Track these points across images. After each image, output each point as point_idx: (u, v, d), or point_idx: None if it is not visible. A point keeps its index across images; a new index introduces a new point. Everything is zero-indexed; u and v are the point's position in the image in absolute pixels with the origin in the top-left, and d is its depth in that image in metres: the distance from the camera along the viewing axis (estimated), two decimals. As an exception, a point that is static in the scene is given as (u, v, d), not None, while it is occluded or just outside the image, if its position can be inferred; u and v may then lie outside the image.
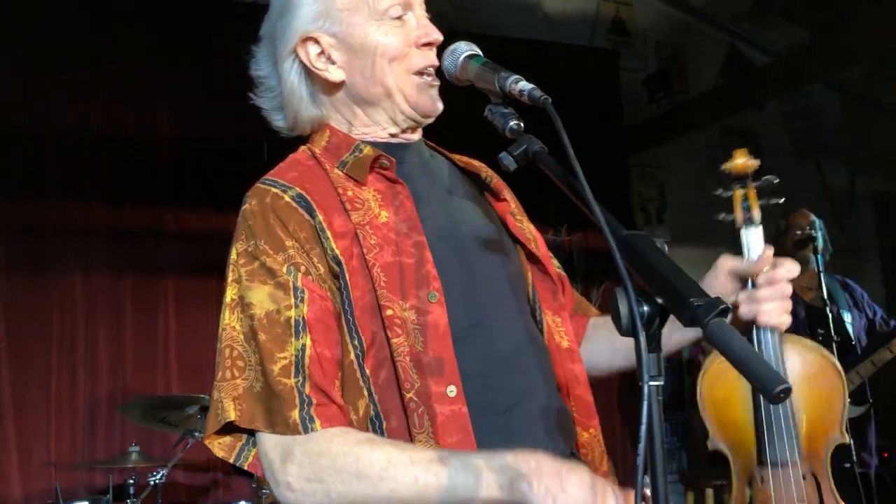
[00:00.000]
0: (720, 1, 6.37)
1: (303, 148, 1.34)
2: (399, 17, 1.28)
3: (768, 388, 0.75)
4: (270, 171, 1.28)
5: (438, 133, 1.43)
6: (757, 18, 6.34)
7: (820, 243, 3.70)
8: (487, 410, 1.16)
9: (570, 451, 1.26)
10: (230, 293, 1.18)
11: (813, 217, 3.91)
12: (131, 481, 3.44)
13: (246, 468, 1.16)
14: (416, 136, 1.37)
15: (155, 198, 4.59)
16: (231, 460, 1.15)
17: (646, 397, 0.85)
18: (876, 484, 3.85)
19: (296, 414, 1.09)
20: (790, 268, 1.23)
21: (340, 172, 1.25)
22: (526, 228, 1.40)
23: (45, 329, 4.22)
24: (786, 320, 1.22)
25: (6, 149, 4.25)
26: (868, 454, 3.84)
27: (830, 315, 3.43)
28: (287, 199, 1.20)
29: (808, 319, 3.83)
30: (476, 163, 1.45)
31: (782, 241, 4.00)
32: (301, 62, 1.29)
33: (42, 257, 4.29)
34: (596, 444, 1.31)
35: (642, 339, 0.86)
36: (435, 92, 1.31)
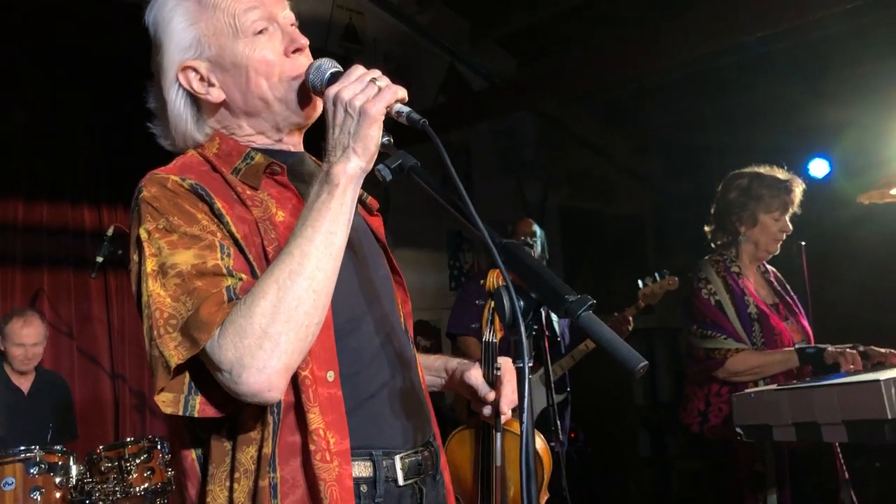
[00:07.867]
0: (442, 22, 6.85)
1: (192, 152, 1.36)
2: (263, 31, 1.33)
3: (630, 367, 0.99)
4: (161, 167, 1.29)
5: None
6: (474, 43, 6.93)
7: (538, 250, 4.21)
8: (357, 396, 1.29)
9: (427, 439, 1.42)
10: (150, 265, 1.17)
11: (535, 227, 4.41)
12: None
13: (197, 416, 1.15)
14: (299, 145, 1.45)
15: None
16: (180, 413, 1.14)
17: (527, 375, 1.05)
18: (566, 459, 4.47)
19: (223, 291, 1.15)
20: (513, 399, 1.54)
21: (235, 178, 1.30)
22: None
23: None
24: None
25: None
26: (565, 435, 4.43)
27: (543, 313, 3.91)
28: (186, 186, 1.23)
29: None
30: None
31: (508, 243, 4.47)
32: (184, 89, 1.35)
33: None
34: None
35: (522, 328, 1.06)
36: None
